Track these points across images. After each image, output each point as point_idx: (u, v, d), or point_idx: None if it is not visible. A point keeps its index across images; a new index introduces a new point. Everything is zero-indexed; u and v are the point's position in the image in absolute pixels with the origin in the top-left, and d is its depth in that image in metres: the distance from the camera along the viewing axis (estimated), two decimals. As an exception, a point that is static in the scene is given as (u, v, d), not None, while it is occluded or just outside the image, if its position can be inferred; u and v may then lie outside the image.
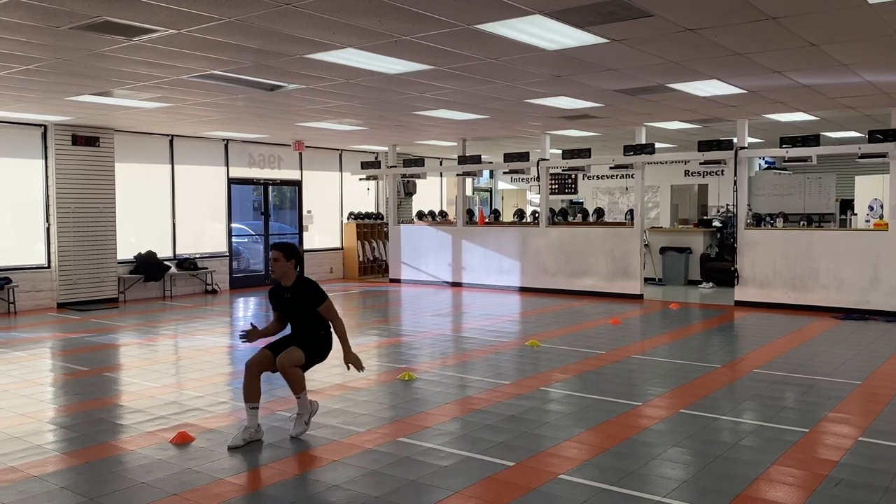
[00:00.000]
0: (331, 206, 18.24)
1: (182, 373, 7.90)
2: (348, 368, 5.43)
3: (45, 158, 12.73)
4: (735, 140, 12.57)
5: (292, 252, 5.48)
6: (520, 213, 17.16)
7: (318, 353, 5.50)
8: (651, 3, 5.75)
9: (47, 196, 12.76)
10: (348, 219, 18.33)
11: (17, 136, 12.48)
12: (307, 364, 5.42)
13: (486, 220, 16.77)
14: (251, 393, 5.29)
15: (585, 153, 14.01)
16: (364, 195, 19.00)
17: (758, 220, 13.12)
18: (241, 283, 16.01)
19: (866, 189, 15.02)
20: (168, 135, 14.46)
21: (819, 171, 16.22)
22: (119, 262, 13.65)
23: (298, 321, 5.51)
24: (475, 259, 15.68)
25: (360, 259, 18.20)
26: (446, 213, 18.93)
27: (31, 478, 4.65)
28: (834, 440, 5.34)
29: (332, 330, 5.51)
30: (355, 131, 14.32)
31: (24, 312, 12.24)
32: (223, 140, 15.51)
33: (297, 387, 5.36)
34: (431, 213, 18.26)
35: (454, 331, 10.59)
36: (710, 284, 15.00)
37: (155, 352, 9.06)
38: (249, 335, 5.37)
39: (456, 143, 16.23)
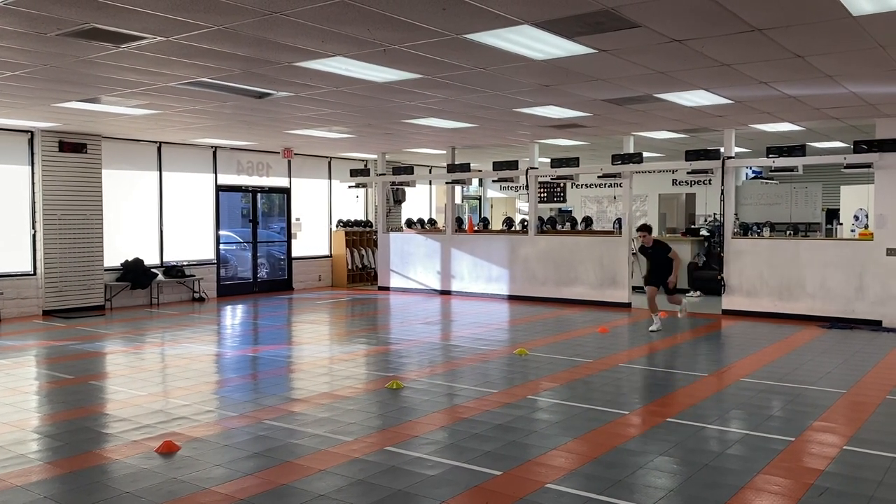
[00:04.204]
0: (320, 213, 18.21)
1: (168, 381, 7.85)
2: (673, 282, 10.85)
3: (31, 165, 12.64)
4: (722, 150, 12.65)
5: (650, 229, 10.85)
6: (509, 222, 17.19)
7: (667, 281, 10.81)
8: (638, 14, 5.80)
9: (33, 203, 12.67)
10: (337, 226, 18.30)
11: (3, 142, 12.38)
12: (670, 287, 10.89)
13: (475, 229, 16.80)
14: (652, 307, 10.76)
15: (574, 162, 14.08)
16: (353, 203, 19.00)
17: (745, 230, 13.20)
18: (229, 290, 15.94)
19: (852, 199, 15.17)
20: (156, 142, 14.41)
21: (805, 181, 16.35)
22: (106, 270, 13.57)
23: (657, 263, 10.89)
24: (464, 267, 15.69)
25: (349, 267, 18.16)
26: (435, 221, 18.95)
27: (15, 487, 4.61)
28: (819, 449, 5.38)
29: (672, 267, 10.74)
30: (344, 139, 14.32)
31: (8, 320, 12.14)
32: (211, 147, 15.47)
33: (677, 302, 11.24)
34: (420, 221, 18.28)
35: (443, 339, 10.58)
36: (698, 293, 15.07)
37: (141, 360, 9.00)
38: (650, 281, 10.98)
39: (445, 152, 16.26)
